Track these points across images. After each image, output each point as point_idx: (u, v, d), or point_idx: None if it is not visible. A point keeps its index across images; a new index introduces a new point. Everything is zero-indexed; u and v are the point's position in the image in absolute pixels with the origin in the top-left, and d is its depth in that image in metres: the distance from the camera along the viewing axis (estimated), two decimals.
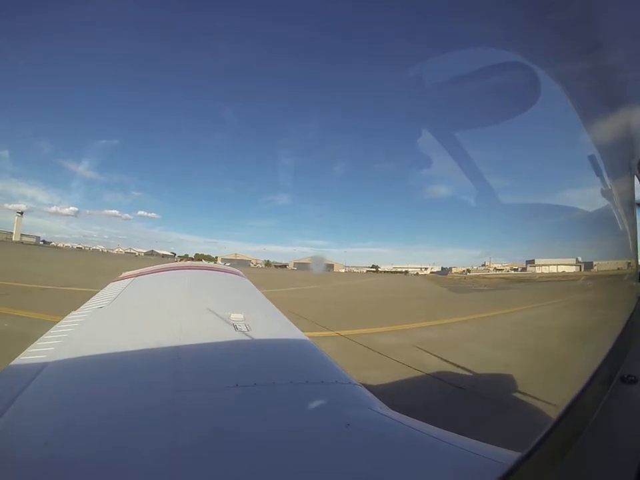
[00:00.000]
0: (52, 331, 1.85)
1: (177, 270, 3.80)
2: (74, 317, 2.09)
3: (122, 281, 3.37)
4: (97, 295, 2.80)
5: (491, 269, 68.12)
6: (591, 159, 2.78)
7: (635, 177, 2.45)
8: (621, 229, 3.32)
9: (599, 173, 2.88)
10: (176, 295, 2.77)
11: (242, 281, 3.73)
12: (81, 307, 2.40)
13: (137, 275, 3.52)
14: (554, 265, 56.44)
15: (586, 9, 1.65)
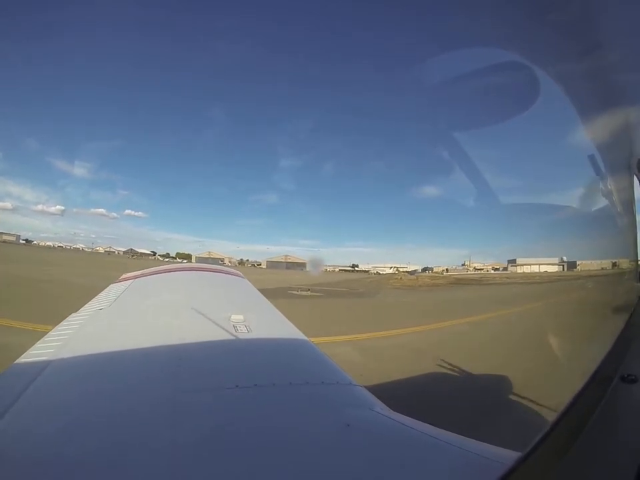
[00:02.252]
0: (52, 332, 1.85)
1: (176, 271, 3.80)
2: (74, 319, 2.09)
3: (122, 282, 3.37)
4: (97, 297, 2.80)
5: (471, 269, 67.21)
6: (591, 158, 2.78)
7: (634, 176, 2.46)
8: (620, 228, 3.32)
9: (598, 172, 2.88)
10: (176, 297, 2.77)
11: (242, 282, 3.73)
12: (81, 308, 2.40)
13: (137, 277, 3.52)
14: (535, 264, 55.32)
15: (586, 9, 1.65)
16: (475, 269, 66.09)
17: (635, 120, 2.07)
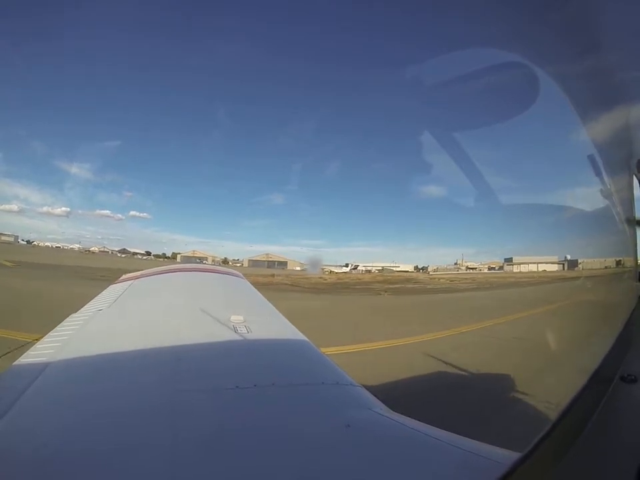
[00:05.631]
0: (52, 333, 1.85)
1: (176, 272, 3.80)
2: (74, 320, 2.09)
3: (122, 283, 3.37)
4: (96, 298, 2.80)
5: (463, 268, 65.63)
6: (590, 158, 2.78)
7: (634, 177, 2.46)
8: (620, 228, 3.32)
9: (598, 173, 2.88)
10: (176, 297, 2.77)
11: (242, 282, 3.72)
12: (81, 309, 2.39)
13: (137, 277, 3.52)
14: (533, 263, 53.25)
15: (585, 10, 1.65)
16: (468, 268, 64.81)
17: (635, 120, 2.07)
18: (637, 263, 3.21)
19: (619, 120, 2.10)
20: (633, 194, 2.67)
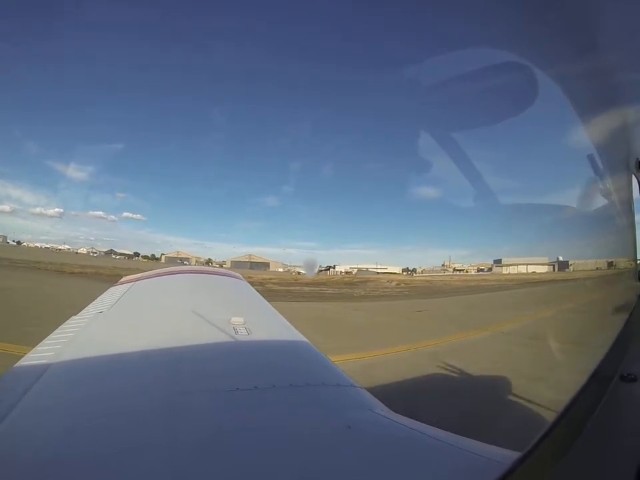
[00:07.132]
0: (52, 335, 1.85)
1: (176, 274, 3.80)
2: (74, 322, 2.09)
3: (122, 285, 3.37)
4: (97, 300, 2.80)
5: (450, 269, 64.72)
6: (590, 158, 2.79)
7: (633, 176, 2.46)
8: (619, 227, 3.33)
9: (597, 172, 2.89)
10: (176, 299, 2.77)
11: (242, 284, 3.73)
12: (81, 311, 2.40)
13: (137, 280, 3.52)
14: (523, 264, 51.81)
15: (585, 10, 1.65)
16: (455, 269, 63.92)
17: (633, 120, 2.07)
18: (637, 262, 3.21)
19: (618, 120, 2.11)
20: (631, 193, 2.67)
